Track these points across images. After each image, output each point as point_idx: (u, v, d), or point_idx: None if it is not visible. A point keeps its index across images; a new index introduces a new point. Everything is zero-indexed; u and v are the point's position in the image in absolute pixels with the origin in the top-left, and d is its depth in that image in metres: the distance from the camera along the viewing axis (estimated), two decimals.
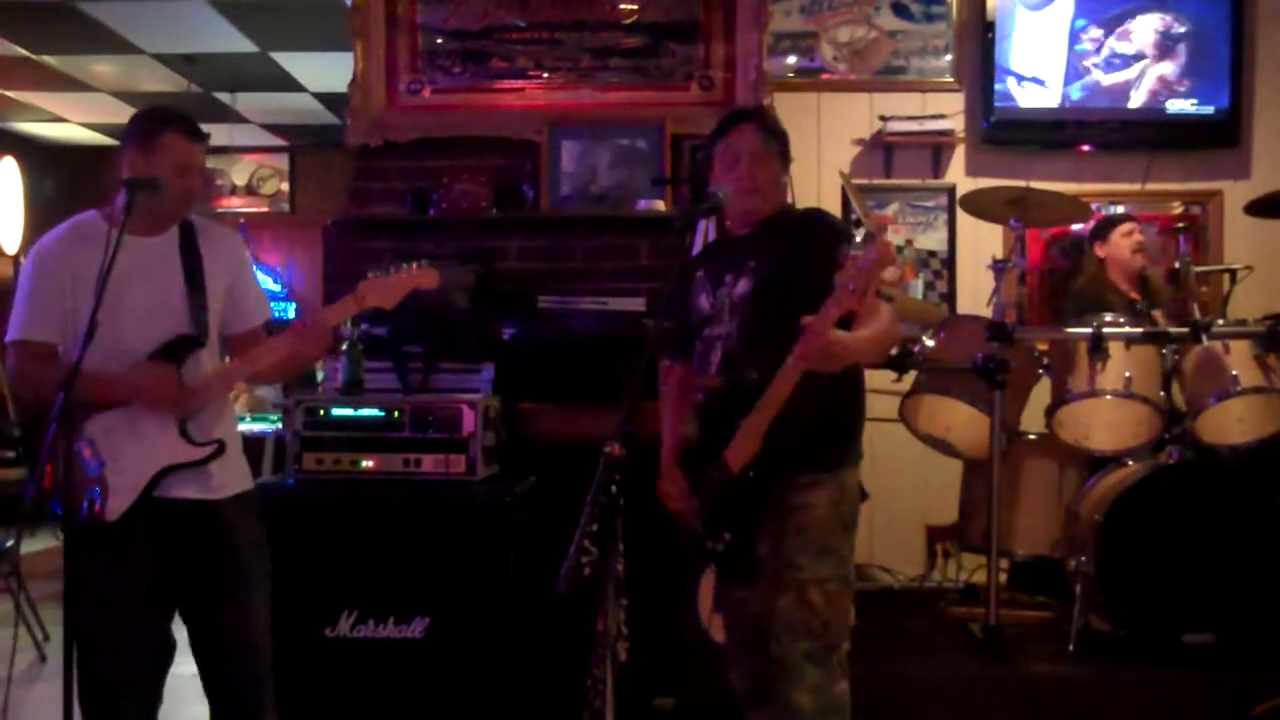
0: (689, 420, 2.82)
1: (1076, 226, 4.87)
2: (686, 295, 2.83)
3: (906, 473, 4.68)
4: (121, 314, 2.58)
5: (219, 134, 8.59)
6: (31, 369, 2.65)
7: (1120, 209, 4.86)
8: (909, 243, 5.04)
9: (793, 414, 2.47)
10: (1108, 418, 3.80)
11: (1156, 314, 4.29)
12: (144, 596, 2.63)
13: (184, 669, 2.79)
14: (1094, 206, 4.43)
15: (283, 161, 9.83)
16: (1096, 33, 5.01)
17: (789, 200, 2.89)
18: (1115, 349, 3.70)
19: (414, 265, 2.73)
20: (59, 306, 2.64)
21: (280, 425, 6.78)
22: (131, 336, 2.61)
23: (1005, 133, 4.99)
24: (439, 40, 4.53)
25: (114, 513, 2.56)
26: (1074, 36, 5.01)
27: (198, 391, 2.65)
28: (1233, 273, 4.37)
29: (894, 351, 3.75)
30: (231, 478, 2.76)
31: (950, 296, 5.04)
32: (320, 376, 4.03)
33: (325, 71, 7.37)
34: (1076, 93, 5.02)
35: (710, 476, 2.58)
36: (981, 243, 4.87)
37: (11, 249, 9.25)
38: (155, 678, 2.72)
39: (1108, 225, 4.54)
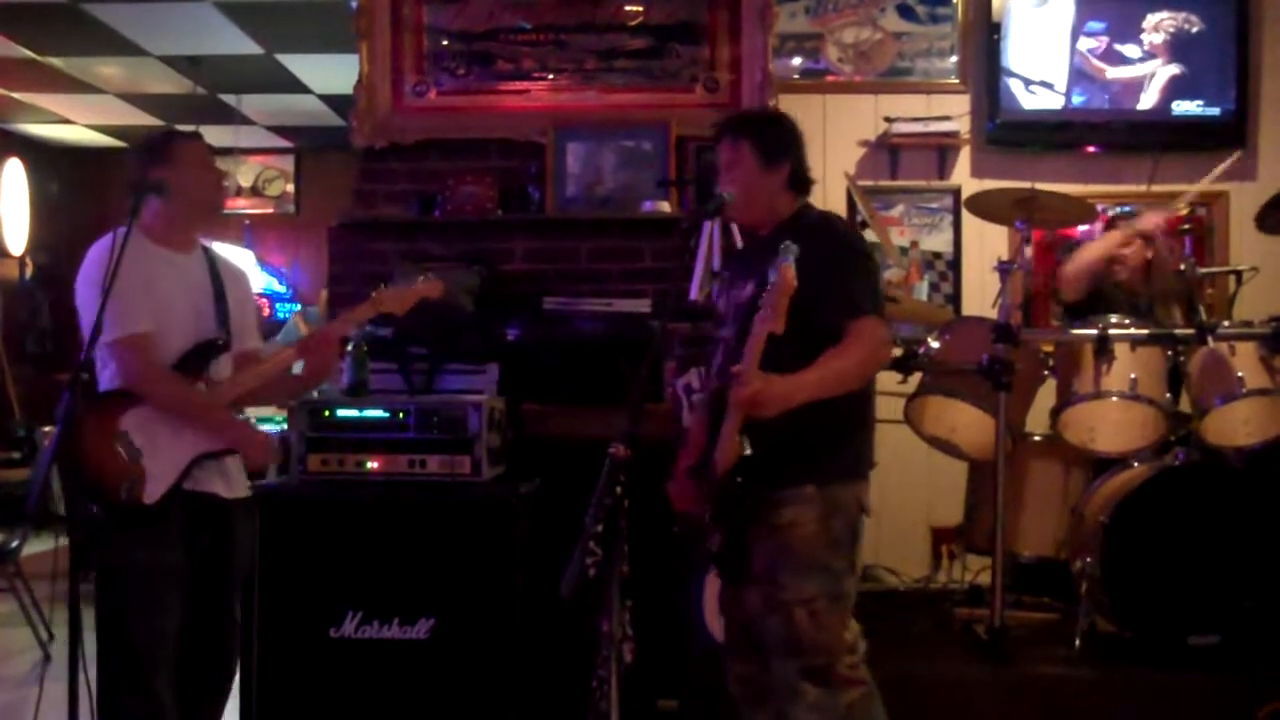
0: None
1: (1082, 228, 4.86)
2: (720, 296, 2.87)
3: (911, 474, 4.66)
4: (170, 321, 2.82)
5: (224, 136, 8.60)
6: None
7: (1128, 210, 4.84)
8: (914, 244, 5.03)
9: (773, 422, 2.47)
10: (1113, 419, 3.79)
11: (1159, 310, 4.25)
12: (176, 581, 2.78)
13: None
14: (1100, 208, 4.41)
15: (288, 163, 9.85)
16: (1102, 34, 5.01)
17: (789, 198, 2.77)
18: (1121, 350, 3.69)
19: (421, 277, 3.09)
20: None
21: (285, 426, 6.77)
22: (174, 340, 2.82)
23: (1011, 134, 4.99)
24: (444, 42, 4.54)
25: (151, 497, 2.71)
26: (1079, 37, 5.00)
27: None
28: (1238, 274, 4.35)
29: (897, 353, 3.71)
30: (240, 481, 2.95)
31: (955, 298, 5.03)
32: None
33: (330, 73, 7.37)
34: (1082, 94, 5.01)
35: (705, 478, 2.60)
36: (987, 244, 4.87)
37: (17, 250, 9.26)
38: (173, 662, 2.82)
39: (1105, 229, 4.50)
